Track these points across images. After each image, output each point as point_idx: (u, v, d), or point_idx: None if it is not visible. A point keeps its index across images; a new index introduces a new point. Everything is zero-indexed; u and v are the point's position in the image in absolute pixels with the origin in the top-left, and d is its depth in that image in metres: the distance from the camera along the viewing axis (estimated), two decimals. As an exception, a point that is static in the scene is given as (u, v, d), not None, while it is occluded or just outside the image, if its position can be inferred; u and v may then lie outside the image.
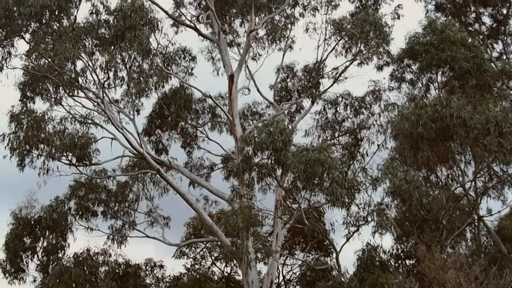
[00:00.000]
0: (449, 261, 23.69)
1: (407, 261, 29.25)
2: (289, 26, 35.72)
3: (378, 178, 25.63)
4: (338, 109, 33.51)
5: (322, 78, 33.01)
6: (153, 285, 35.63)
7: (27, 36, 29.06)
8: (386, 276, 25.86)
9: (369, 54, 32.76)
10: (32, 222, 33.29)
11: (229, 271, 37.77)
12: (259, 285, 29.26)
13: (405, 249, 29.13)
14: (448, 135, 26.02)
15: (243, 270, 28.65)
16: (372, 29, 31.59)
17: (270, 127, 25.51)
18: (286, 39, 35.67)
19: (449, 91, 28.28)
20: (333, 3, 33.79)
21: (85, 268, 32.54)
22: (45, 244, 33.57)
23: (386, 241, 30.10)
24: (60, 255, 33.53)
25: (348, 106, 33.30)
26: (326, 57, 32.96)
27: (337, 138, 33.73)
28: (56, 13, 28.63)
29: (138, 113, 32.56)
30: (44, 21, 28.71)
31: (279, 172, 27.20)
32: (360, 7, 34.47)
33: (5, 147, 29.22)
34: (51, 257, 33.49)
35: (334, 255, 29.57)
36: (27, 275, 33.37)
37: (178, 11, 34.72)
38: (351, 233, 26.14)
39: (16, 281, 33.09)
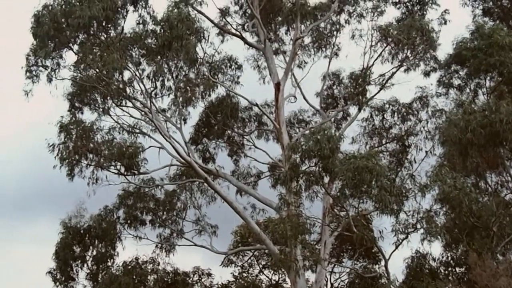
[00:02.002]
0: (500, 268, 23.40)
1: (457, 269, 28.97)
2: (335, 33, 35.60)
3: (426, 185, 25.38)
4: (385, 115, 33.41)
5: (369, 85, 32.81)
6: (201, 293, 35.81)
7: (75, 47, 29.27)
8: (436, 284, 25.65)
9: (416, 60, 32.52)
10: (82, 231, 33.71)
11: (277, 279, 37.72)
12: (307, 293, 29.22)
13: (454, 257, 28.88)
14: (497, 140, 25.71)
15: (292, 278, 28.57)
16: (419, 35, 31.37)
17: (317, 134, 25.38)
18: (332, 46, 35.55)
19: (498, 96, 27.93)
20: (379, 10, 33.72)
21: (134, 277, 32.83)
22: (94, 253, 33.96)
23: (435, 249, 29.83)
24: (109, 263, 33.92)
25: (395, 113, 33.17)
26: (373, 63, 32.80)
27: (385, 145, 33.58)
28: (104, 24, 28.81)
29: (185, 122, 32.81)
30: (92, 32, 28.92)
31: (326, 179, 27.11)
32: (406, 13, 34.25)
33: (55, 157, 29.70)
34: (101, 266, 33.85)
35: (383, 262, 29.33)
36: (77, 284, 33.83)
37: (224, 20, 34.79)
38: (400, 241, 25.90)
39: (66, 290, 33.51)
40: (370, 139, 33.78)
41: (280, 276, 37.54)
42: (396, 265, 29.14)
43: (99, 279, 33.41)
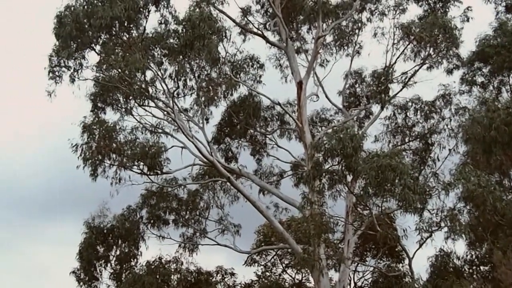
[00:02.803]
0: (525, 266, 23.29)
1: (482, 267, 28.84)
2: (357, 31, 35.49)
3: (450, 183, 25.24)
4: (408, 114, 33.28)
5: (391, 83, 32.61)
6: (224, 293, 35.87)
7: (98, 47, 29.39)
8: (461, 283, 25.53)
9: (439, 57, 32.30)
10: (105, 231, 33.83)
11: (300, 278, 37.73)
12: (330, 292, 29.16)
13: (479, 255, 28.75)
14: (522, 138, 25.56)
15: (315, 277, 28.49)
16: (441, 32, 31.14)
17: (340, 133, 25.32)
18: (354, 44, 35.45)
19: (522, 93, 27.83)
20: (401, 7, 33.51)
21: (158, 276, 32.91)
22: (117, 252, 34.10)
23: (459, 247, 29.76)
24: (132, 263, 34.05)
25: (418, 111, 33.03)
26: (395, 61, 32.56)
27: (408, 143, 33.46)
28: (126, 24, 28.91)
29: (207, 122, 32.85)
30: (114, 32, 29.04)
31: (349, 178, 27.07)
32: (429, 10, 34.05)
33: (78, 158, 29.72)
34: (124, 266, 33.98)
35: (407, 261, 29.33)
36: (101, 283, 33.98)
37: (246, 19, 34.76)
38: (424, 239, 25.79)
39: (90, 289, 33.66)
40: (393, 138, 33.67)
41: (303, 275, 37.57)
42: (420, 264, 29.00)
43: (122, 278, 33.51)
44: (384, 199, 25.37)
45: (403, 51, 32.56)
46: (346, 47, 35.73)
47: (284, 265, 37.85)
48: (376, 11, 34.61)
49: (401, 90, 32.54)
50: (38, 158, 51.30)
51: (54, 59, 29.17)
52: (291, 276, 37.82)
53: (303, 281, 37.66)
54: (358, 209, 29.46)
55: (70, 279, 33.56)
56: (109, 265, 34.09)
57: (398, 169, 23.91)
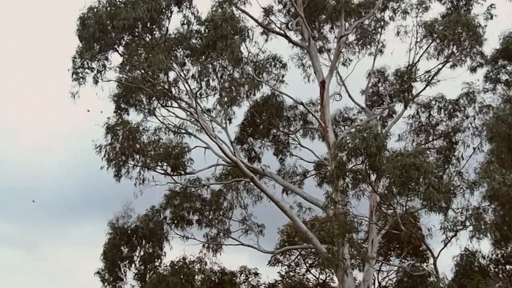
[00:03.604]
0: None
1: (507, 266, 28.64)
2: (379, 30, 35.37)
3: (475, 181, 25.09)
4: (431, 112, 33.24)
5: (415, 82, 32.44)
6: (248, 293, 35.88)
7: (121, 48, 29.46)
8: (486, 282, 25.36)
9: (462, 55, 32.11)
10: (129, 232, 33.97)
11: (324, 278, 37.65)
12: (355, 292, 29.08)
13: (504, 254, 28.55)
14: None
15: (339, 277, 28.40)
16: (465, 30, 30.93)
17: (364, 132, 25.25)
18: (376, 43, 35.33)
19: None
20: (423, 5, 33.31)
21: (182, 276, 32.95)
22: (142, 253, 34.21)
23: (485, 246, 29.54)
24: (156, 263, 34.14)
25: (442, 109, 32.99)
26: (418, 60, 32.41)
27: (431, 142, 33.34)
28: (148, 25, 28.97)
29: (230, 122, 32.90)
30: (136, 33, 29.11)
31: (373, 177, 27.00)
32: (452, 8, 33.82)
33: (102, 158, 29.87)
34: (148, 266, 34.06)
35: (431, 260, 29.17)
36: (125, 284, 34.09)
37: (268, 19, 34.72)
38: (449, 238, 25.65)
39: (115, 290, 33.78)
40: (416, 136, 33.62)
41: (327, 275, 37.49)
42: (445, 263, 28.85)
43: (146, 279, 33.61)
44: (409, 198, 25.27)
45: (426, 49, 32.43)
46: (368, 46, 35.64)
47: (307, 265, 37.80)
48: (398, 9, 34.42)
49: (424, 88, 32.37)
50: (62, 159, 51.52)
51: (77, 61, 29.28)
52: (315, 276, 37.81)
53: (327, 281, 37.58)
54: (382, 208, 29.30)
55: (95, 279, 33.79)
56: (133, 265, 34.21)
57: (423, 168, 23.79)
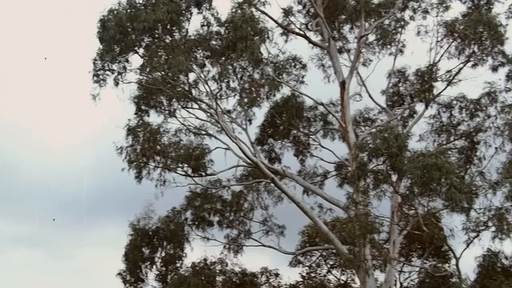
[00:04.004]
0: None
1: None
2: (399, 29, 35.17)
3: (497, 181, 24.97)
4: (452, 112, 33.04)
5: (435, 82, 32.33)
6: (269, 294, 35.85)
7: (141, 50, 29.55)
8: (509, 283, 25.27)
9: (483, 55, 31.93)
10: (150, 233, 34.06)
11: (345, 279, 37.55)
12: (376, 293, 28.99)
13: (528, 255, 28.45)
14: None
15: (361, 278, 28.34)
16: (486, 29, 30.79)
17: (385, 132, 25.20)
18: (397, 43, 35.10)
19: None
20: (444, 5, 33.12)
21: (203, 278, 32.94)
22: (163, 254, 34.26)
23: (507, 247, 29.43)
24: (177, 264, 34.18)
25: (463, 109, 32.78)
26: (439, 59, 32.26)
27: (453, 142, 33.16)
28: (168, 27, 29.04)
29: (250, 123, 32.75)
30: (156, 35, 29.18)
31: (394, 178, 26.93)
32: (472, 7, 33.63)
33: (123, 160, 29.98)
34: (169, 267, 34.11)
35: (453, 261, 29.03)
36: (146, 285, 34.21)
37: (287, 19, 34.58)
38: (471, 239, 25.56)
39: (136, 291, 33.87)
40: (437, 136, 33.45)
41: (348, 276, 37.38)
42: (467, 264, 28.76)
43: (168, 280, 33.66)
44: (430, 199, 25.19)
45: (447, 49, 32.27)
46: (389, 46, 35.39)
47: (329, 266, 37.71)
48: (419, 9, 34.20)
49: (445, 88, 32.25)
50: (83, 161, 51.68)
51: (98, 63, 29.40)
52: (336, 277, 37.70)
53: (348, 282, 37.47)
54: (404, 209, 29.19)
55: (116, 280, 33.88)
56: (154, 266, 34.30)
57: (444, 168, 23.72)
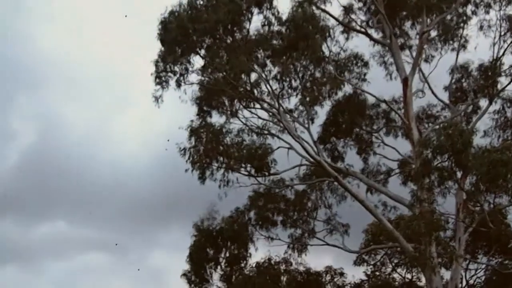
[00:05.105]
0: None
1: None
2: (462, 25, 34.78)
3: None
4: (517, 107, 32.61)
5: (499, 76, 31.97)
6: (334, 293, 35.76)
7: (202, 51, 29.69)
8: None
9: (549, 48, 31.52)
10: (214, 233, 34.12)
11: (410, 277, 37.26)
12: (443, 291, 28.70)
13: None
14: None
15: (427, 276, 28.07)
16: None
17: (449, 129, 24.96)
18: (459, 38, 34.73)
19: None
20: (507, -2, 32.76)
21: (267, 277, 33.01)
22: (227, 254, 34.34)
23: None
24: (242, 265, 34.21)
25: (528, 104, 32.32)
26: (503, 54, 31.88)
27: (518, 137, 32.74)
28: (229, 28, 29.10)
29: (313, 122, 32.74)
30: (217, 36, 29.28)
31: (459, 174, 26.63)
32: (537, -1, 33.18)
33: (186, 161, 30.16)
34: (234, 267, 34.17)
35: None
36: (211, 285, 34.27)
37: (348, 17, 34.43)
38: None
39: (201, 291, 34.07)
40: (502, 132, 33.04)
41: (413, 274, 37.09)
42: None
43: (232, 280, 33.78)
44: (496, 195, 24.89)
45: (511, 43, 31.86)
46: (451, 42, 34.99)
47: (393, 264, 37.44)
48: (481, 3, 33.80)
49: (509, 83, 31.82)
50: (145, 163, 52.21)
51: (160, 65, 29.66)
52: (401, 275, 37.41)
53: (413, 280, 37.17)
54: (469, 205, 28.88)
55: (181, 282, 34.13)
56: (219, 267, 34.42)
57: (510, 164, 23.42)
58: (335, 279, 35.98)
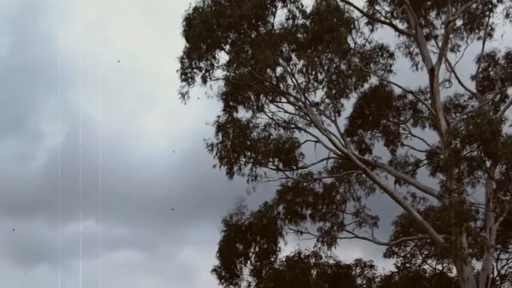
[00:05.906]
0: None
1: None
2: (487, 13, 34.48)
3: None
4: (545, 95, 32.34)
5: (527, 64, 31.76)
6: (364, 286, 35.64)
7: (227, 47, 29.67)
8: None
9: None
10: (243, 228, 34.18)
11: (441, 268, 37.08)
12: (474, 281, 28.49)
13: None
14: None
15: (458, 267, 27.94)
16: None
17: (477, 118, 24.81)
18: (485, 27, 34.43)
19: None
20: (533, -15, 32.46)
21: (297, 271, 32.96)
22: (257, 249, 34.37)
23: None
24: (272, 259, 34.21)
25: (557, 92, 32.05)
26: (530, 41, 31.69)
27: (548, 126, 32.42)
28: (254, 22, 29.06)
29: (339, 114, 32.58)
30: (242, 30, 29.24)
31: (488, 164, 26.48)
32: None
33: (214, 157, 30.23)
34: (264, 262, 34.18)
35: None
36: (241, 280, 34.32)
37: (372, 8, 34.25)
38: None
39: (232, 287, 34.11)
40: (531, 120, 32.72)
41: (444, 265, 36.90)
42: None
43: (262, 275, 33.79)
44: (527, 184, 24.77)
45: (538, 30, 31.65)
46: (477, 30, 34.69)
47: (423, 255, 37.27)
48: (506, -10, 33.60)
49: (537, 71, 31.61)
50: (173, 159, 52.26)
51: (185, 61, 29.70)
52: (431, 267, 37.23)
53: (444, 271, 36.99)
54: (499, 195, 28.70)
55: (212, 277, 34.21)
56: (248, 261, 34.47)
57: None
58: (365, 272, 35.93)
